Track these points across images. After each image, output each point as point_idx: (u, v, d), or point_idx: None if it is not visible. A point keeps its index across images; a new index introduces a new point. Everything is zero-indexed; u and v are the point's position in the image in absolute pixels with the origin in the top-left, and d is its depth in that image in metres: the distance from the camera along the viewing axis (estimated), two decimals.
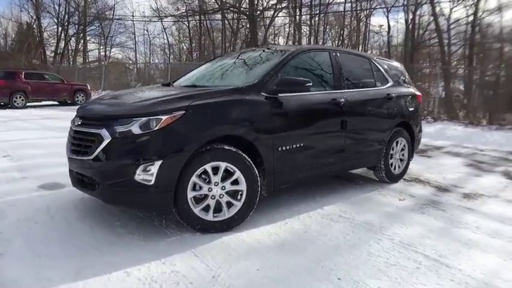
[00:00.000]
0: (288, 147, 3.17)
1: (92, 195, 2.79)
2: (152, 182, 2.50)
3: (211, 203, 2.77)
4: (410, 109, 4.66)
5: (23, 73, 13.56)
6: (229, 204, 2.84)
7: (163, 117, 2.55)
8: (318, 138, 3.48)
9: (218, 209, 2.82)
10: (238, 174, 2.80)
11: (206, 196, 2.76)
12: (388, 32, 19.63)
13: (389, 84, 4.43)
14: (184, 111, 2.61)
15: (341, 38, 24.09)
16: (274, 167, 3.07)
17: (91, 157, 2.61)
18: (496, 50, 20.24)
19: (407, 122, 4.57)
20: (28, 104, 13.32)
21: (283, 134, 3.12)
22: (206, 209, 2.77)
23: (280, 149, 3.10)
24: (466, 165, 6.03)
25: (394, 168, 4.50)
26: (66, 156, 3.22)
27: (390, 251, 2.69)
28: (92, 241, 2.63)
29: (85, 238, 2.67)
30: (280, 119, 3.09)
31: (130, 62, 26.68)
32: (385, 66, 4.56)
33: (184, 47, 28.51)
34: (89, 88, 15.94)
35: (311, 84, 3.11)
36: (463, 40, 20.12)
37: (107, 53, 28.75)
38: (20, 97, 12.96)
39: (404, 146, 4.63)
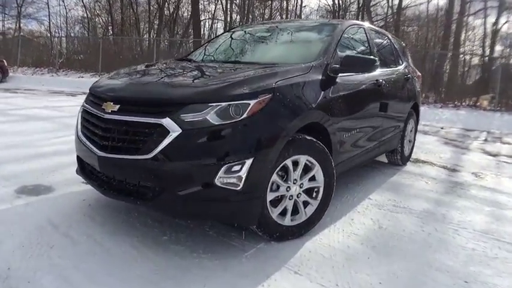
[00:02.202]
0: (349, 134, 2.81)
1: (144, 207, 2.12)
2: (240, 187, 1.95)
3: (289, 204, 2.30)
4: (418, 90, 4.60)
5: None
6: (306, 204, 2.40)
7: (252, 102, 1.99)
8: (367, 123, 3.17)
9: (294, 210, 2.37)
10: (317, 168, 2.36)
11: (282, 197, 2.29)
12: (339, 11, 20.00)
13: (404, 64, 4.28)
14: (271, 94, 2.08)
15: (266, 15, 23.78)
16: (339, 156, 2.70)
17: (148, 156, 1.94)
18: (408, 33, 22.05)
19: (417, 102, 4.51)
20: None
21: (346, 119, 2.75)
22: (283, 212, 2.30)
23: (344, 136, 2.73)
24: (443, 143, 6.31)
25: (406, 150, 4.43)
26: (79, 152, 2.45)
27: (476, 241, 2.53)
28: (154, 268, 1.98)
29: (142, 264, 2.01)
30: (343, 103, 2.69)
31: (48, 35, 23.07)
32: (398, 44, 4.40)
33: (101, 21, 25.72)
34: (6, 64, 13.46)
35: (378, 63, 2.75)
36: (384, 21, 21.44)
37: (17, 25, 24.54)
38: None
39: (412, 127, 4.58)
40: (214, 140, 1.93)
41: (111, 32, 23.38)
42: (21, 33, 22.09)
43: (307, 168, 2.36)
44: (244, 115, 1.97)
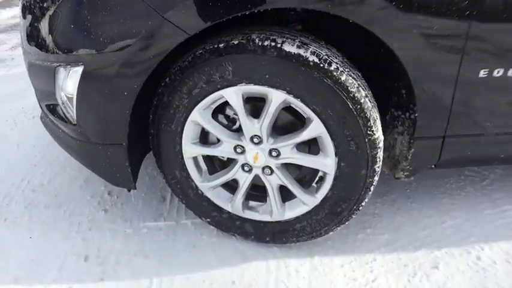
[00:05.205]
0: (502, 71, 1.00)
1: None
2: (73, 115, 1.03)
3: (244, 179, 1.12)
4: None
5: None
6: (287, 196, 1.13)
7: None
8: None
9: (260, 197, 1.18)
10: (316, 126, 0.98)
11: (231, 163, 1.13)
12: None
13: None
14: None
15: None
16: (453, 118, 1.04)
17: None
18: None
19: None
20: None
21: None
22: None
23: (483, 73, 0.99)
24: None
25: None
26: None
27: None
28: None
29: None
30: None
31: None
32: None
33: None
34: None
35: None
36: None
37: None
38: None
39: None
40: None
41: None
42: None
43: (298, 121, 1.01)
44: None
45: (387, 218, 1.35)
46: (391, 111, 1.14)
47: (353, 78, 0.92)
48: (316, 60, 0.89)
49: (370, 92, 1.00)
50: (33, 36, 1.05)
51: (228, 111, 1.08)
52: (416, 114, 1.00)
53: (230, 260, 1.17)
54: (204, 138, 1.13)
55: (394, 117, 1.13)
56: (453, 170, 1.59)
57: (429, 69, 0.93)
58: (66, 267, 1.13)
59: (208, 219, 1.22)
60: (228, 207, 1.18)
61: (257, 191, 1.16)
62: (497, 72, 0.97)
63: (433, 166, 1.16)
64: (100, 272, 1.11)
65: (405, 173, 1.16)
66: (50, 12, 0.98)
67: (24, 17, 1.10)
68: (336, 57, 0.93)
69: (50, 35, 0.99)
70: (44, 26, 1.01)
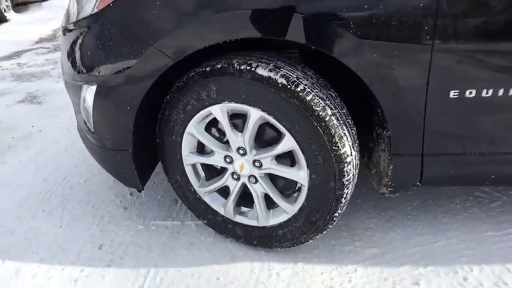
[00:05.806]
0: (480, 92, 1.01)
1: None
2: (91, 125, 1.24)
3: (233, 186, 1.25)
4: None
5: None
6: (271, 204, 1.23)
7: None
8: None
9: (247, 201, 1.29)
10: (289, 141, 1.07)
11: (223, 171, 1.26)
12: None
13: None
14: None
15: None
16: (428, 137, 1.07)
17: None
18: None
19: None
20: None
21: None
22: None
23: (453, 94, 1.01)
24: None
25: None
26: None
27: None
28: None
29: None
30: None
31: None
32: None
33: None
34: None
35: None
36: None
37: None
38: None
39: None
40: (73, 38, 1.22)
41: None
42: None
43: (275, 138, 1.11)
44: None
45: (380, 233, 1.38)
46: (375, 130, 1.20)
47: (320, 98, 1.01)
48: (285, 82, 1.00)
49: (343, 110, 1.08)
50: (68, 60, 1.29)
51: (220, 125, 1.22)
52: (389, 133, 1.07)
53: (220, 259, 1.29)
54: (202, 148, 1.28)
55: (378, 135, 1.19)
56: (461, 190, 1.57)
57: (395, 92, 0.99)
58: (83, 253, 1.34)
59: (205, 221, 1.36)
60: (221, 211, 1.31)
61: (248, 198, 1.28)
62: (470, 93, 1.00)
63: (418, 184, 1.19)
64: (109, 260, 1.31)
65: (388, 189, 1.20)
66: (79, 41, 1.21)
67: (62, 44, 1.35)
68: (307, 80, 1.03)
69: (78, 60, 1.21)
70: (76, 52, 1.24)
